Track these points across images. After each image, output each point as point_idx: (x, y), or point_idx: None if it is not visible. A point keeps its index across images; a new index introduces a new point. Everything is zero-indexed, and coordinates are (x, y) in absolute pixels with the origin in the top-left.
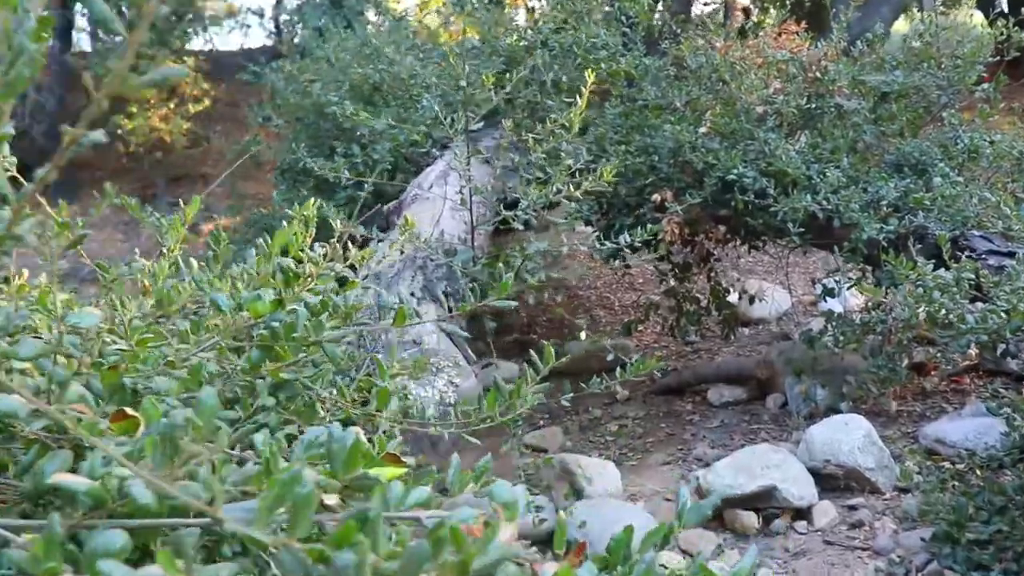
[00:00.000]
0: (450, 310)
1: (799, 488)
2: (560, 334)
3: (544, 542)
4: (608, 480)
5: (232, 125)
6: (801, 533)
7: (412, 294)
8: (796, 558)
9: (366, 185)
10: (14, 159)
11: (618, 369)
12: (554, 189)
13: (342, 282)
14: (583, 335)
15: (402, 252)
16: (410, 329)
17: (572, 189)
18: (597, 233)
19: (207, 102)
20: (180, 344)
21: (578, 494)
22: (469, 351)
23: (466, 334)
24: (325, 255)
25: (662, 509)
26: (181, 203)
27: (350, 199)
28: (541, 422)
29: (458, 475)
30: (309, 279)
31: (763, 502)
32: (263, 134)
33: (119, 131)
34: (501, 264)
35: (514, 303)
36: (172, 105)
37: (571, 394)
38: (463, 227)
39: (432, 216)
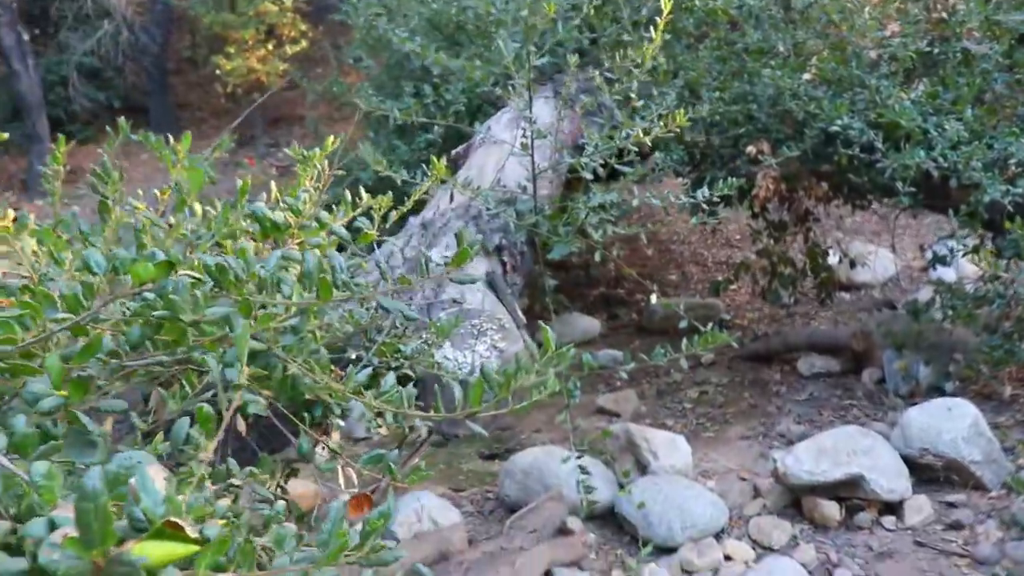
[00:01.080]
0: (504, 264)
1: (889, 479)
2: (648, 290)
3: (600, 517)
4: (676, 455)
5: (332, 67)
6: (889, 530)
7: None
8: (881, 559)
9: (437, 128)
10: None
11: (684, 341)
12: (623, 134)
13: (357, 233)
14: (654, 298)
15: (451, 200)
16: (449, 286)
17: (642, 135)
18: (687, 185)
19: (304, 43)
20: (64, 313)
21: (643, 469)
22: (519, 311)
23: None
24: (307, 202)
25: (733, 491)
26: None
27: (430, 143)
28: (618, 383)
29: (333, 534)
30: (288, 231)
31: (847, 491)
32: (354, 75)
33: (217, 72)
34: (563, 217)
35: (573, 254)
36: (270, 47)
37: (631, 365)
38: (529, 175)
39: (497, 162)
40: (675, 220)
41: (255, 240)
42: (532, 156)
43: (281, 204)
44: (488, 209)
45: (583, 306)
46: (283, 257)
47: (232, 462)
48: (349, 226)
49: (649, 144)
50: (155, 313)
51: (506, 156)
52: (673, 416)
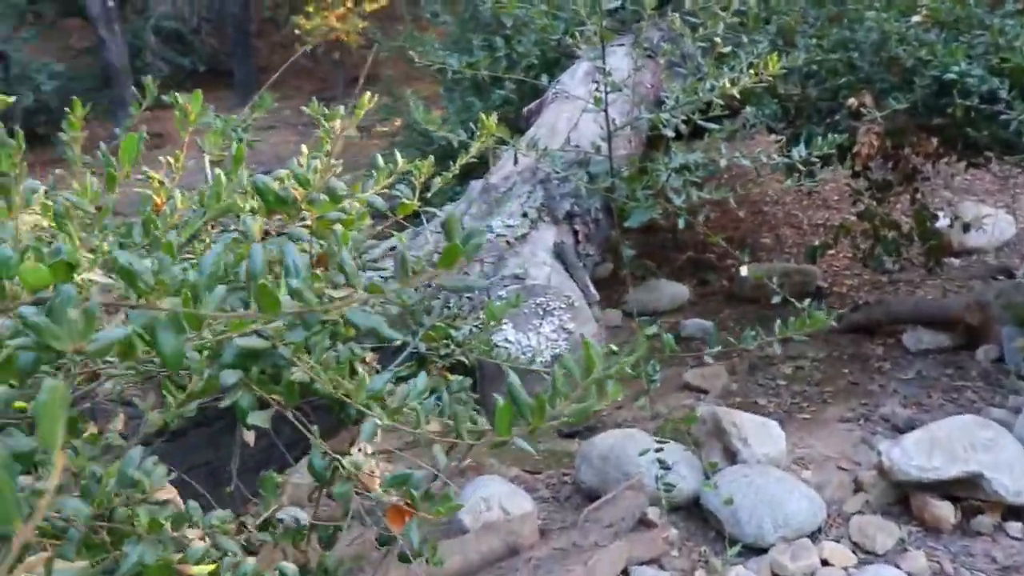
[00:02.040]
0: (576, 233)
1: (1015, 479)
2: (739, 260)
3: (685, 508)
4: (769, 442)
5: (415, 25)
6: (1014, 538)
7: (524, 215)
8: (1006, 572)
9: (510, 84)
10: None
11: (777, 324)
12: (708, 86)
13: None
14: (744, 269)
15: (515, 162)
16: (511, 259)
17: (729, 86)
18: (781, 142)
19: (384, 0)
20: None
21: (731, 457)
22: (591, 286)
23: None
24: (318, 169)
25: (831, 484)
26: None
27: (506, 100)
28: (703, 347)
29: None
30: (295, 205)
31: (964, 491)
32: (433, 32)
33: (296, 31)
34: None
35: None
36: (349, 4)
37: (717, 349)
38: (605, 133)
39: (569, 119)
40: (768, 180)
41: (260, 217)
42: (606, 112)
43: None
44: (555, 172)
45: (670, 271)
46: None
47: (193, 505)
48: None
49: (738, 97)
50: (11, 341)
51: (580, 113)
52: (766, 394)
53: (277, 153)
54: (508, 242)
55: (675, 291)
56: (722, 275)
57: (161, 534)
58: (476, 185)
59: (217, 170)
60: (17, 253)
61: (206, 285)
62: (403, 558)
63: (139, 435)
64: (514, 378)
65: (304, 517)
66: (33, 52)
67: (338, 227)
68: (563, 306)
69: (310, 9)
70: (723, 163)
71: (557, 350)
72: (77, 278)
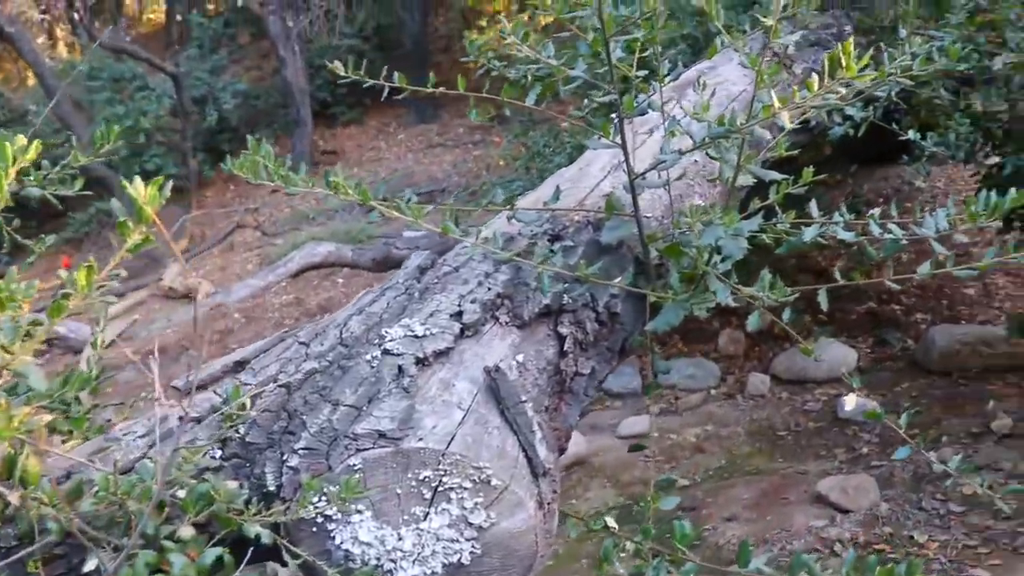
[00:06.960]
0: (561, 341)
1: None
2: (936, 308)
3: None
4: None
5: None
6: None
7: (459, 312)
8: None
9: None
10: None
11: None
12: (802, 95)
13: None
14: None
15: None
16: (388, 399)
17: (834, 89)
18: (978, 176)
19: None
20: None
21: None
22: (540, 447)
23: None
24: None
25: None
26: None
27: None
28: (862, 451)
29: None
30: None
31: None
32: None
33: (467, 47)
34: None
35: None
36: (525, 18)
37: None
38: (696, 181)
39: (614, 156)
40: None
41: None
42: (624, 148)
43: None
44: (495, 251)
45: (840, 328)
46: None
47: None
48: None
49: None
50: None
51: (640, 144)
52: (928, 525)
53: (431, 174)
54: (400, 367)
55: (839, 354)
56: (907, 333)
57: None
58: (412, 260)
59: None
60: None
61: None
62: None
63: None
64: None
65: None
66: (224, 73)
67: None
68: (469, 485)
69: (483, 23)
70: (807, 236)
71: (455, 556)
72: None
